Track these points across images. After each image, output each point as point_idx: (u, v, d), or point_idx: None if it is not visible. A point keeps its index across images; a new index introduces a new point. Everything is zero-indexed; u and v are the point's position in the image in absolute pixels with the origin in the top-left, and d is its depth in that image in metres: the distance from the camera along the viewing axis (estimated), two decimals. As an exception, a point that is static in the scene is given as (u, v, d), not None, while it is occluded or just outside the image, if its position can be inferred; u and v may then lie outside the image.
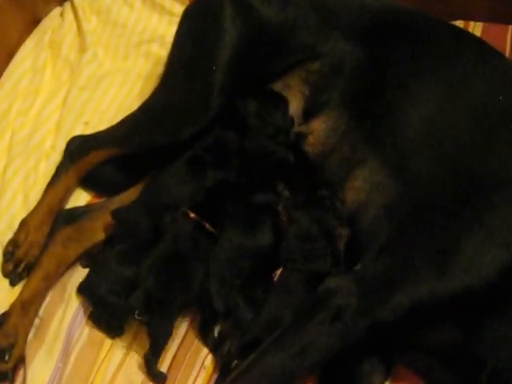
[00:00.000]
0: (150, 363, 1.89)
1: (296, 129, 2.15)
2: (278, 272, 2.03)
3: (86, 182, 2.24)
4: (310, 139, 2.10)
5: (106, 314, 1.96)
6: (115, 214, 2.07)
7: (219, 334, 1.94)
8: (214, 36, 2.12)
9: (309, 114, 2.14)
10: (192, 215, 2.03)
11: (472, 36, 2.24)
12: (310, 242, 1.98)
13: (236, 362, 1.83)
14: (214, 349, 1.93)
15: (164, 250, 1.96)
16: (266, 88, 2.18)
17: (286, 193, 2.11)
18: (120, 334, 1.98)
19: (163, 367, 1.93)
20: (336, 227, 1.98)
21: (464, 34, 2.21)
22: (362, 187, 1.96)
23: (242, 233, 2.00)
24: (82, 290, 2.00)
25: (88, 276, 2.01)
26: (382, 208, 1.89)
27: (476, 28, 2.49)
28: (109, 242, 2.07)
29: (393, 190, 1.89)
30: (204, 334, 1.96)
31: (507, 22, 2.49)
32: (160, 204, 2.07)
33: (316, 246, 1.97)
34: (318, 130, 2.09)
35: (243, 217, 2.03)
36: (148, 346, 1.89)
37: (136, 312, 1.87)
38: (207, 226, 2.04)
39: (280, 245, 2.00)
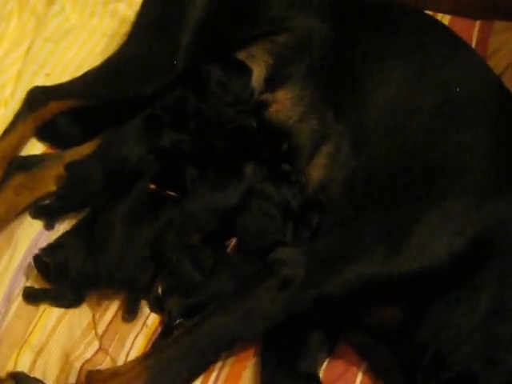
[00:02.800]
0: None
1: (259, 97, 2.16)
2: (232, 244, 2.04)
3: (43, 133, 2.22)
4: (274, 107, 2.11)
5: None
6: (69, 166, 2.07)
7: (162, 291, 1.94)
8: None
9: (271, 83, 2.15)
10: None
11: (441, 24, 2.27)
12: (269, 218, 1.99)
13: (179, 320, 1.84)
14: (154, 305, 1.93)
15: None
16: (231, 56, 2.19)
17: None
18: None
19: (103, 323, 1.92)
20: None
21: (434, 21, 2.25)
22: (326, 164, 1.98)
23: (211, 189, 2.01)
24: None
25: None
26: (343, 185, 1.92)
27: (443, 20, 2.50)
28: (58, 191, 2.07)
29: (354, 168, 1.91)
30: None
31: (474, 17, 2.53)
32: (115, 160, 2.07)
33: (274, 222, 1.98)
34: (283, 98, 2.11)
35: (212, 176, 2.05)
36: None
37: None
38: (165, 192, 2.05)
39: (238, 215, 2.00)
